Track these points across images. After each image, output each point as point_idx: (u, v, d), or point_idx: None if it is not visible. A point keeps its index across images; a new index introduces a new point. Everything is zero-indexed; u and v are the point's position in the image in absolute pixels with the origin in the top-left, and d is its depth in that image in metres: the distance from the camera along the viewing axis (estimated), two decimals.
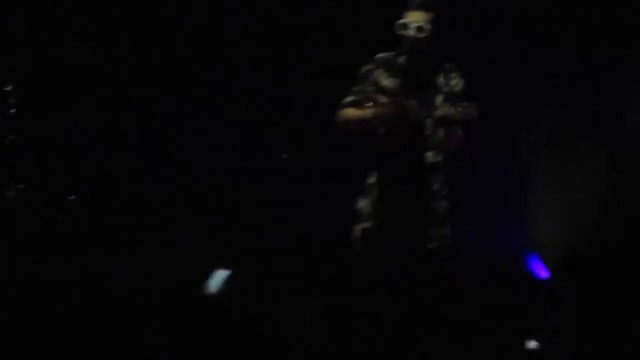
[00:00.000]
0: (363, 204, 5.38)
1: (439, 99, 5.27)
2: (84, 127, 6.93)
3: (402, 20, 5.22)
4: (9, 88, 6.59)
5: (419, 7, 5.21)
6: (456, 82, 5.35)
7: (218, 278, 6.56)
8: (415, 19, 5.19)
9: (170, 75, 7.19)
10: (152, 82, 7.15)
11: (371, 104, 5.23)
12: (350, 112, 5.34)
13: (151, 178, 7.10)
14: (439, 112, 5.14)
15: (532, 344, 5.98)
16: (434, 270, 5.23)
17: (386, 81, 5.33)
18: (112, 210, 6.87)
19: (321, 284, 6.30)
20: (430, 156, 5.26)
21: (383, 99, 5.24)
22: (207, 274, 6.57)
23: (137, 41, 7.14)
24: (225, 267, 6.63)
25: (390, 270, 5.23)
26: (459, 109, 5.06)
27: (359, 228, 5.35)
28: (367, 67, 5.39)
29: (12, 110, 6.58)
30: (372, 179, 5.38)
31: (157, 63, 7.17)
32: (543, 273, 7.08)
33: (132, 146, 7.14)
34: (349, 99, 5.38)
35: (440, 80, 5.33)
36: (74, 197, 6.66)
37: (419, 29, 5.19)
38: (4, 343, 5.13)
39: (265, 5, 7.22)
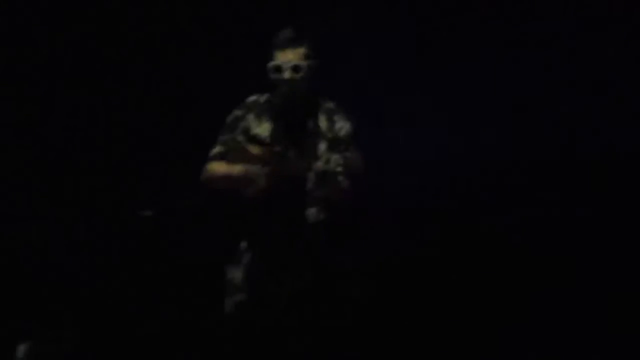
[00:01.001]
0: (234, 273, 4.75)
1: (322, 146, 4.66)
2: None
3: (273, 63, 4.61)
4: None
5: (288, 44, 4.61)
6: (341, 125, 4.73)
7: None
8: (288, 58, 4.60)
9: None
10: None
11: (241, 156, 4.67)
12: (217, 167, 4.73)
13: None
14: (321, 163, 4.50)
15: None
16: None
17: (259, 128, 4.73)
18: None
19: None
20: (312, 214, 4.66)
21: (255, 149, 4.66)
22: None
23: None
24: None
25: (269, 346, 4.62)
26: (345, 158, 4.45)
27: (230, 302, 4.72)
28: (236, 113, 4.78)
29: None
30: (244, 244, 4.74)
31: None
32: None
33: None
34: (215, 150, 4.76)
35: (323, 124, 4.73)
36: None
37: (295, 68, 4.59)
38: None
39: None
